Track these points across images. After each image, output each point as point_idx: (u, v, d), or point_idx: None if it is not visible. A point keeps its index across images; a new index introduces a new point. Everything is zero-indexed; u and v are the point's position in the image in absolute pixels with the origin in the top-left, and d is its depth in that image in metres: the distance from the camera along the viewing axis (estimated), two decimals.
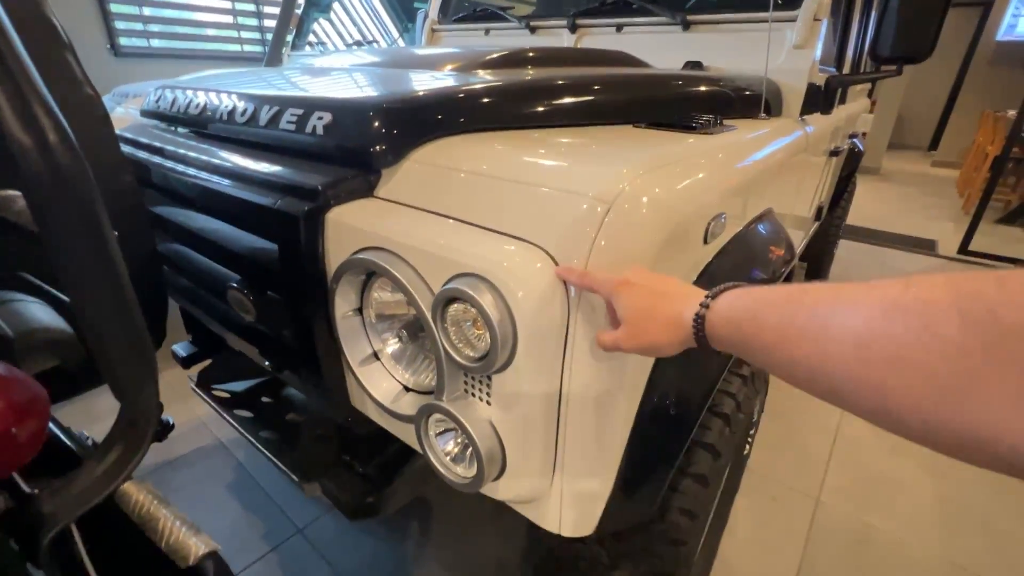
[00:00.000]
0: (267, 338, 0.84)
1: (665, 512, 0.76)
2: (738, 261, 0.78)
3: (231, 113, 0.84)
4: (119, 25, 3.28)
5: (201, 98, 0.93)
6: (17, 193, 0.44)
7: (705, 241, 0.66)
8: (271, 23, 3.85)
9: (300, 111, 0.73)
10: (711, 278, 0.70)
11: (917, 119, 10.80)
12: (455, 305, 0.52)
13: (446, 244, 0.54)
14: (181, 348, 1.29)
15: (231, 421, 1.11)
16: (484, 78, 0.83)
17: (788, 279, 1.09)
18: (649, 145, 0.75)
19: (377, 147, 0.66)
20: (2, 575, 0.30)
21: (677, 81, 1.06)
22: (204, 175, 0.79)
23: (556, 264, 0.52)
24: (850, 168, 2.74)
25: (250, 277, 0.77)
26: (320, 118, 0.70)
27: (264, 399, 1.24)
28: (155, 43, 3.44)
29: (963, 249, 4.10)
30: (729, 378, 0.86)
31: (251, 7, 3.74)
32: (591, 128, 0.85)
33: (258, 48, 3.81)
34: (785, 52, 1.29)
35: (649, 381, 0.63)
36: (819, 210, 2.20)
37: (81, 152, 0.30)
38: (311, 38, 3.60)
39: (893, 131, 11.80)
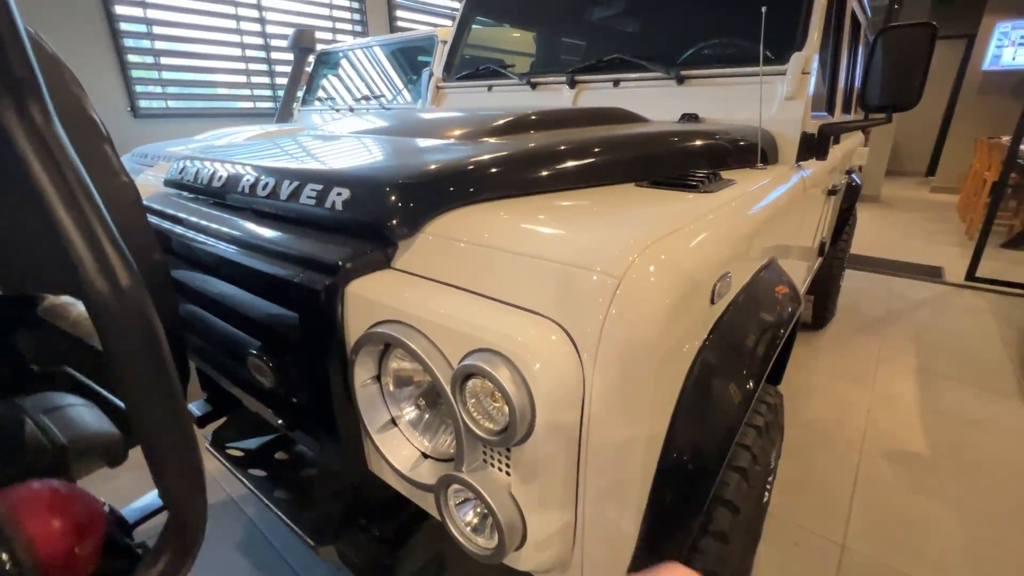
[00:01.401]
0: (284, 403, 0.85)
1: None
2: (745, 315, 0.79)
3: (253, 186, 0.88)
4: (139, 89, 3.45)
5: (222, 170, 0.98)
6: (72, 301, 0.47)
7: (712, 301, 0.68)
8: (282, 80, 4.03)
9: (320, 187, 0.77)
10: (720, 335, 0.72)
11: (914, 146, 10.98)
12: (473, 380, 0.54)
13: (462, 318, 0.57)
14: (196, 407, 1.31)
15: (245, 482, 1.11)
16: (492, 147, 0.88)
17: (796, 320, 1.10)
18: (652, 207, 0.78)
19: (393, 221, 0.69)
20: None
21: (675, 137, 1.11)
22: (227, 246, 0.83)
23: (569, 336, 0.54)
24: (850, 201, 2.78)
25: (270, 344, 0.79)
26: (339, 194, 0.74)
27: (278, 457, 1.24)
28: (172, 103, 3.61)
29: (970, 275, 4.09)
30: (745, 431, 0.87)
31: (264, 67, 3.93)
32: (597, 189, 0.89)
33: (270, 104, 3.99)
34: (777, 103, 1.35)
35: (665, 445, 0.63)
36: (822, 246, 2.23)
37: (145, 287, 0.33)
38: (320, 93, 3.77)
39: (891, 159, 11.97)
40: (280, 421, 0.91)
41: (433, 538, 1.00)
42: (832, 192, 1.93)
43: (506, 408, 0.51)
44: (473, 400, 0.55)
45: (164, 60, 3.54)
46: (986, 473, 1.92)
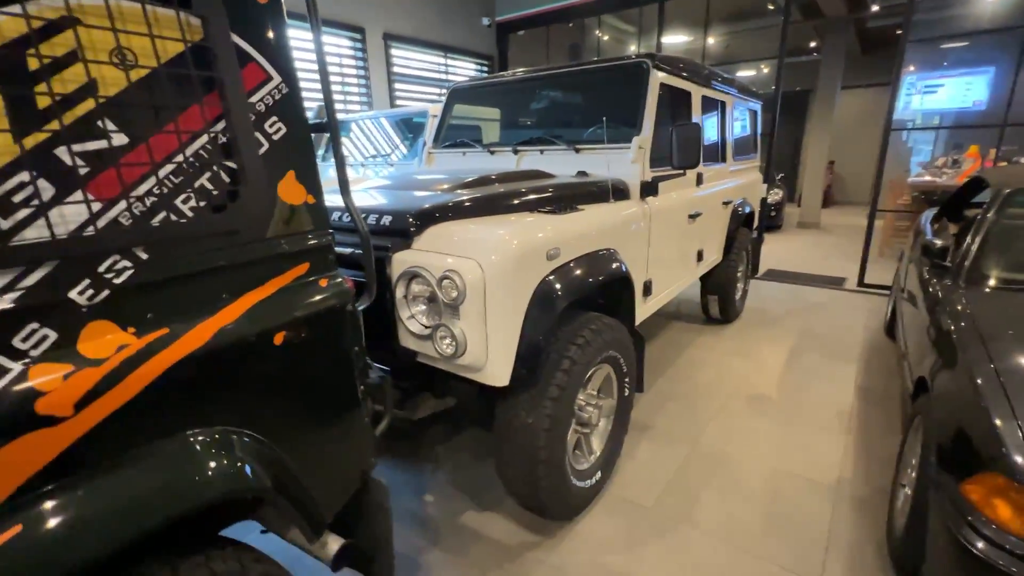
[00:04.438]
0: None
1: (547, 387, 1.64)
2: (574, 268, 1.71)
3: (339, 217, 1.80)
4: None
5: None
6: None
7: (548, 259, 1.60)
8: None
9: (377, 215, 1.69)
10: (555, 274, 1.63)
11: (860, 179, 12.21)
12: (445, 281, 1.45)
13: (441, 263, 1.48)
14: None
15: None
16: (457, 195, 1.81)
17: (617, 276, 2.02)
18: (529, 222, 1.70)
19: (411, 228, 1.61)
20: None
21: (557, 187, 2.05)
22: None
23: (480, 265, 1.45)
24: (735, 225, 3.73)
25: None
26: (388, 217, 1.66)
27: None
28: None
29: (860, 282, 5.07)
30: (582, 329, 1.76)
31: None
32: (511, 215, 1.82)
33: None
34: (627, 164, 2.31)
35: (527, 311, 1.54)
36: (700, 253, 3.17)
37: None
38: None
39: (841, 190, 13.28)
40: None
41: (436, 400, 1.87)
42: (693, 216, 2.88)
43: (455, 291, 1.42)
44: (444, 290, 1.46)
45: None
46: (809, 404, 2.80)
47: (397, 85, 5.85)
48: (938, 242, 2.30)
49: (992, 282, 2.02)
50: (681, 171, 2.29)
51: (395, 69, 5.81)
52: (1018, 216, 2.20)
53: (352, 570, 1.28)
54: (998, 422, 1.30)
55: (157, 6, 0.81)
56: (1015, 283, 1.98)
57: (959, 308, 1.87)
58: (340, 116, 4.80)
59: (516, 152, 2.69)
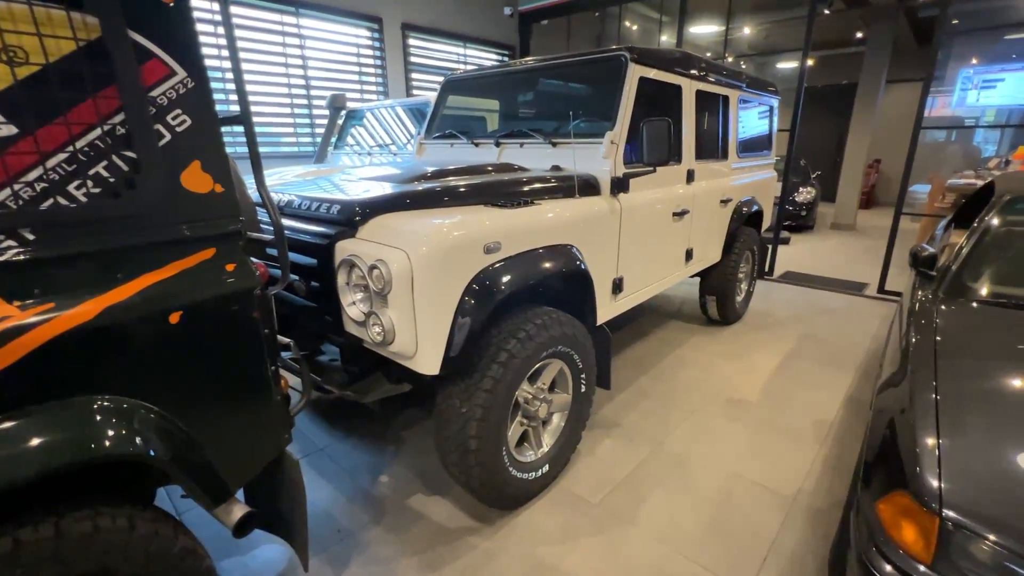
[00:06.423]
0: (308, 307, 1.82)
1: (482, 379, 1.67)
2: (516, 262, 1.72)
3: (299, 204, 1.88)
4: None
5: (287, 197, 1.98)
6: None
7: (486, 252, 1.62)
8: (320, 129, 5.19)
9: (328, 205, 1.76)
10: (494, 266, 1.65)
11: (910, 179, 11.51)
12: (375, 270, 1.49)
13: (375, 252, 1.53)
14: None
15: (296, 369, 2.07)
16: (408, 186, 1.85)
17: (583, 280, 2.02)
18: (476, 214, 1.73)
19: (356, 219, 1.67)
20: None
21: (519, 180, 2.06)
22: (291, 232, 1.81)
23: (408, 255, 1.49)
24: (738, 223, 3.62)
25: (303, 274, 1.76)
26: (336, 207, 1.72)
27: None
28: (238, 149, 4.79)
29: (880, 288, 4.82)
30: (524, 323, 1.78)
31: (306, 121, 5.11)
32: (459, 207, 1.84)
33: (310, 148, 5.15)
34: (599, 160, 2.29)
35: (459, 303, 1.57)
36: (689, 252, 3.10)
37: None
38: (348, 140, 4.89)
39: (883, 191, 12.63)
40: (307, 317, 1.88)
41: (383, 384, 1.94)
42: (679, 214, 2.82)
43: (383, 280, 1.47)
44: (375, 279, 1.50)
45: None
46: (789, 412, 2.72)
47: (414, 75, 5.92)
48: (926, 250, 2.17)
49: (972, 295, 1.90)
50: (651, 168, 2.24)
51: (412, 59, 5.87)
52: (1013, 226, 2.06)
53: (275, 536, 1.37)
54: (920, 441, 1.24)
55: (50, 7, 0.88)
56: (997, 298, 1.86)
57: (927, 321, 1.77)
58: (355, 105, 4.91)
59: (498, 145, 2.70)
